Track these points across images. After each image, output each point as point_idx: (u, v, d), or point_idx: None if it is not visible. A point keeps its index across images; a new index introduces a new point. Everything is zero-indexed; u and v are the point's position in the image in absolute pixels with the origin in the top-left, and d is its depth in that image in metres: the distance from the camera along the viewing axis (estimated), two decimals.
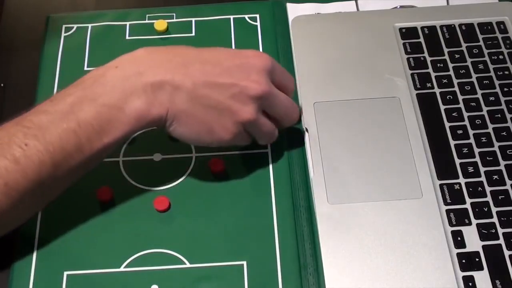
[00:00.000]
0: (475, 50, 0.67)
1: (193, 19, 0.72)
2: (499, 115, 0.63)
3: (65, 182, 0.53)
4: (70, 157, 0.50)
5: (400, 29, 0.69)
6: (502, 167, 0.59)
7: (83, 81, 0.52)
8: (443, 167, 0.59)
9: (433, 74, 0.66)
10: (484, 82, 0.65)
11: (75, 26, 0.71)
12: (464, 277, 0.53)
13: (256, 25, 0.71)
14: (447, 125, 0.62)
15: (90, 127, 0.50)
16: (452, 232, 0.56)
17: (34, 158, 0.49)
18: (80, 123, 0.50)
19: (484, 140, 0.61)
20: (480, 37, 0.68)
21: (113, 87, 0.51)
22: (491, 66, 0.66)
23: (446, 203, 0.57)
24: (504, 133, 0.61)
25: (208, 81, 0.53)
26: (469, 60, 0.67)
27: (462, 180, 0.59)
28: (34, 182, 0.49)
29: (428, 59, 0.67)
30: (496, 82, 0.65)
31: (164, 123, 0.54)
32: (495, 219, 0.56)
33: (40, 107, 0.51)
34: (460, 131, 0.62)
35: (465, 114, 0.63)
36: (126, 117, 0.51)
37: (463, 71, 0.66)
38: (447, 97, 0.64)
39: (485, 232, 0.55)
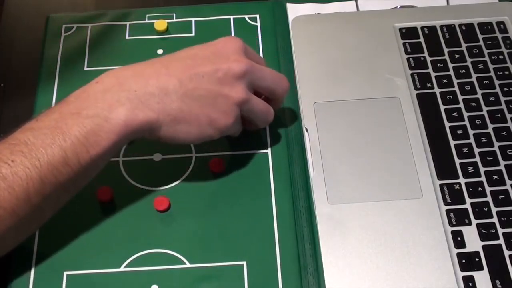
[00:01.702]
0: (475, 50, 0.67)
1: (193, 19, 0.71)
2: (499, 115, 0.63)
3: (54, 201, 0.51)
4: (58, 172, 0.49)
5: (400, 29, 0.69)
6: (502, 167, 0.59)
7: (66, 100, 0.52)
8: (443, 167, 0.59)
9: (433, 74, 0.66)
10: (484, 82, 0.65)
11: (75, 26, 0.71)
12: (464, 277, 0.53)
13: (256, 25, 0.71)
14: (447, 125, 0.62)
15: (76, 140, 0.50)
16: (452, 232, 0.56)
17: (21, 174, 0.48)
18: (65, 136, 0.50)
19: (484, 140, 0.61)
20: (480, 37, 0.68)
21: (96, 100, 0.51)
22: (491, 66, 0.66)
23: (446, 203, 0.57)
24: (504, 133, 0.61)
25: (192, 74, 0.54)
26: (469, 60, 0.67)
27: (462, 180, 0.59)
28: (21, 199, 0.48)
29: (428, 59, 0.67)
30: (496, 82, 0.65)
31: (156, 128, 0.53)
32: (495, 219, 0.56)
33: (26, 126, 0.51)
34: (460, 131, 0.62)
35: (465, 114, 0.63)
36: (112, 126, 0.51)
37: (463, 71, 0.66)
38: (447, 97, 0.64)
39: (485, 232, 0.55)
